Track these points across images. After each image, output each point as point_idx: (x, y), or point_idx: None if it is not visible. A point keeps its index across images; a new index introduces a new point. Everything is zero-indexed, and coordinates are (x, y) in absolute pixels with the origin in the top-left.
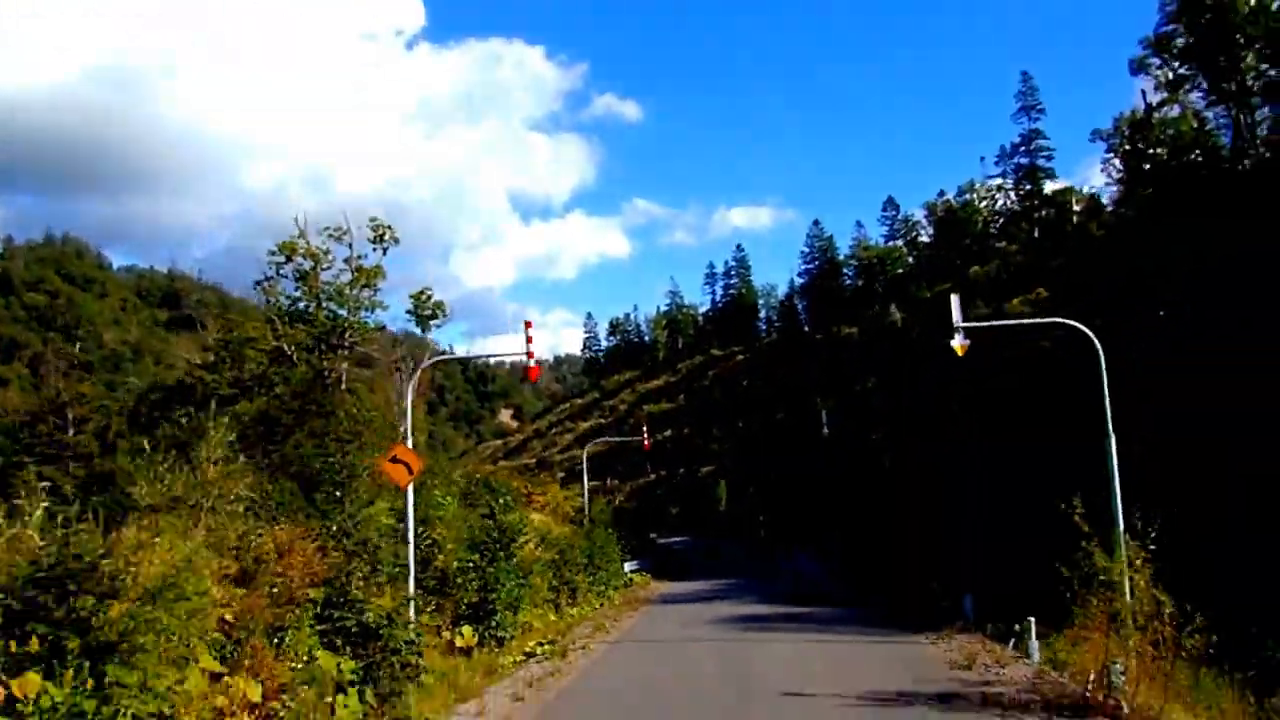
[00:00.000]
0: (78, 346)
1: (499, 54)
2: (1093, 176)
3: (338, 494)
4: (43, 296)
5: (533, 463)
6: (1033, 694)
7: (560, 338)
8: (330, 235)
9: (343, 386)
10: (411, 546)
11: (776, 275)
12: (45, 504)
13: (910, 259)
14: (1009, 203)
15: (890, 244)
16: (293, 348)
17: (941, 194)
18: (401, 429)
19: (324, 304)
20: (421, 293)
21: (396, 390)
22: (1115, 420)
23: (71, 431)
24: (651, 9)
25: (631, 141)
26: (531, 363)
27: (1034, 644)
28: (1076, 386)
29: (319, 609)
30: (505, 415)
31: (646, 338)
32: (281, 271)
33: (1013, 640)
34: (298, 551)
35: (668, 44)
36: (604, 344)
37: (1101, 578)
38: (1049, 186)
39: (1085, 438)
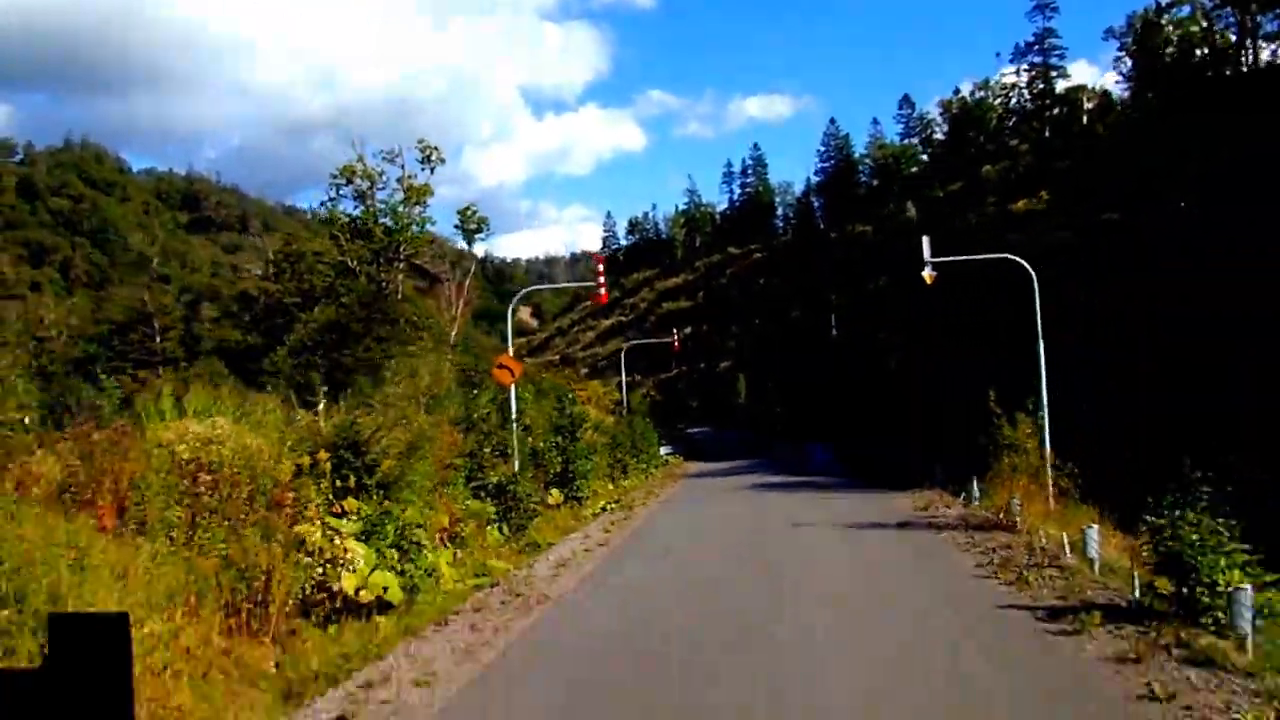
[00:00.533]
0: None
1: None
2: (1108, 74)
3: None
4: (67, 201)
5: (556, 359)
6: (962, 520)
7: (576, 233)
8: (384, 157)
9: (399, 296)
10: (515, 430)
11: (794, 171)
12: (323, 399)
13: (925, 157)
14: (1023, 100)
15: (906, 142)
16: (355, 261)
17: (957, 91)
18: (452, 333)
19: (380, 220)
20: (467, 209)
21: (446, 298)
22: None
23: (159, 339)
24: None
25: (644, 29)
26: (602, 291)
27: (975, 493)
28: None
29: (466, 473)
30: (525, 313)
31: (665, 234)
32: (341, 192)
33: (962, 493)
34: (446, 433)
35: None
36: (623, 242)
37: (1005, 444)
38: (1061, 85)
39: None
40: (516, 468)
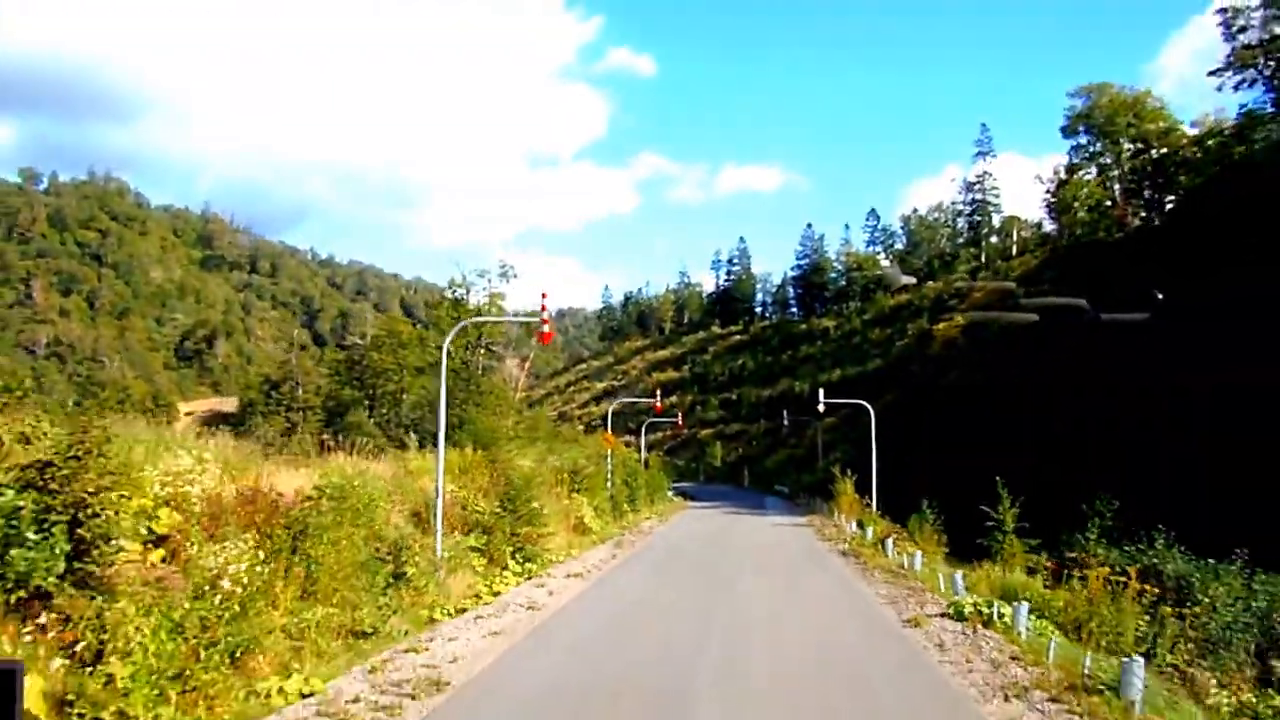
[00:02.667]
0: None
1: (517, 3)
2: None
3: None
4: (94, 234)
5: (555, 415)
6: (814, 521)
7: (563, 288)
8: (477, 274)
9: (480, 370)
10: (609, 470)
11: (777, 249)
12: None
13: (886, 262)
14: (967, 226)
15: (870, 250)
16: (453, 348)
17: (915, 210)
18: (513, 395)
19: (473, 330)
20: (532, 312)
21: (508, 373)
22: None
23: (300, 390)
24: None
25: (644, 95)
26: (546, 329)
27: (825, 509)
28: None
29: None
30: (511, 364)
31: (656, 299)
32: (448, 297)
33: (826, 510)
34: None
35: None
36: (618, 313)
37: (834, 486)
38: (995, 219)
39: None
40: (611, 489)
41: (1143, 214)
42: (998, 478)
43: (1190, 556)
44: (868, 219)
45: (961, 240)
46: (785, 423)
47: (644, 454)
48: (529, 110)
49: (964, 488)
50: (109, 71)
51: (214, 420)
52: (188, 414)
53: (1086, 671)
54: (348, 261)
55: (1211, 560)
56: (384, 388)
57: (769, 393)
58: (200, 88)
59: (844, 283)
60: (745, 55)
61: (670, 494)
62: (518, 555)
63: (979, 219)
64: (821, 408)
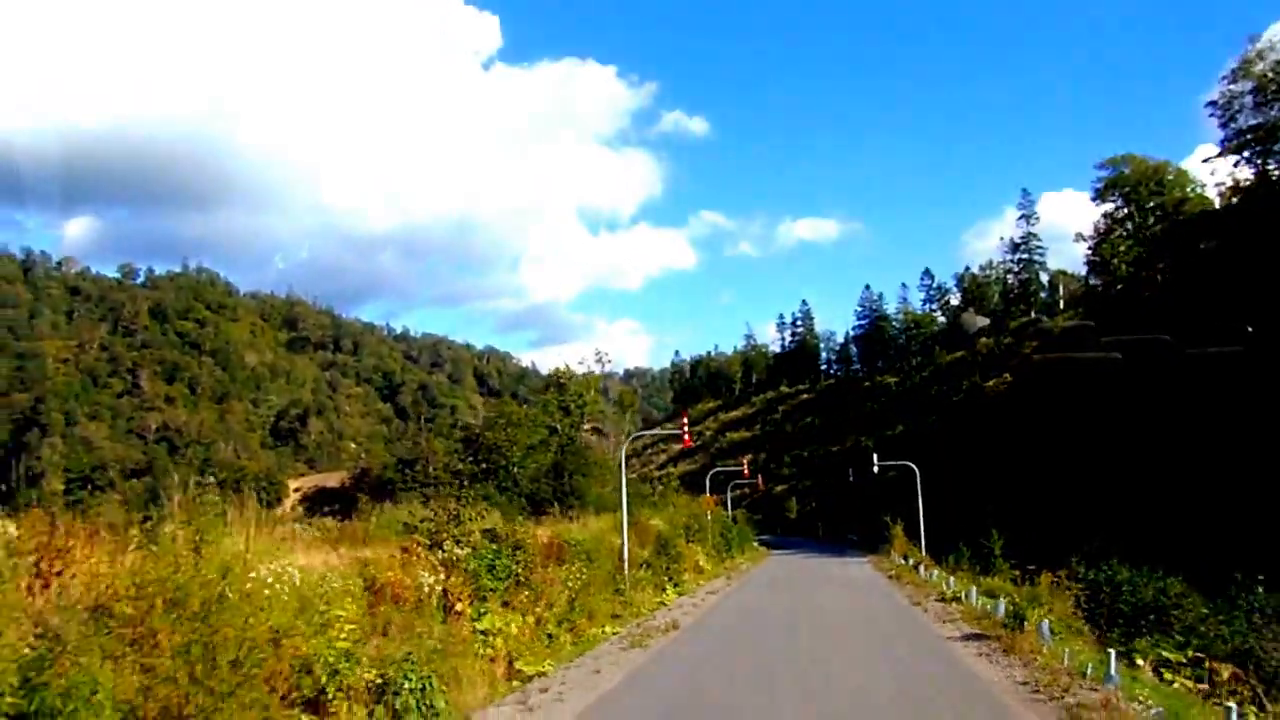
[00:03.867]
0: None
1: (572, 74)
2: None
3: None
4: (191, 324)
5: (635, 477)
6: (876, 559)
7: (624, 347)
8: (579, 362)
9: (585, 445)
10: (711, 525)
11: (837, 305)
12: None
13: (942, 319)
14: (1015, 283)
15: (927, 308)
16: (559, 425)
17: (967, 269)
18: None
19: (574, 409)
20: (623, 393)
21: (611, 451)
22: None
23: (431, 469)
24: (721, 29)
25: (698, 155)
26: (685, 437)
27: (894, 554)
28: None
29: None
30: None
31: (724, 359)
32: (550, 390)
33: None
34: (645, 527)
35: (736, 61)
36: (687, 375)
37: (892, 534)
38: (1044, 276)
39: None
40: (714, 539)
41: (1166, 273)
42: (993, 526)
43: (1145, 571)
44: (923, 278)
45: (1013, 295)
46: (851, 478)
47: (730, 510)
48: (587, 176)
49: (1002, 520)
50: (184, 165)
51: (319, 496)
52: (295, 490)
53: (987, 611)
54: (421, 334)
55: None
56: (499, 463)
57: (836, 448)
58: (272, 175)
59: (903, 340)
60: (796, 111)
61: (755, 544)
62: (669, 583)
63: (1026, 277)
64: (875, 469)
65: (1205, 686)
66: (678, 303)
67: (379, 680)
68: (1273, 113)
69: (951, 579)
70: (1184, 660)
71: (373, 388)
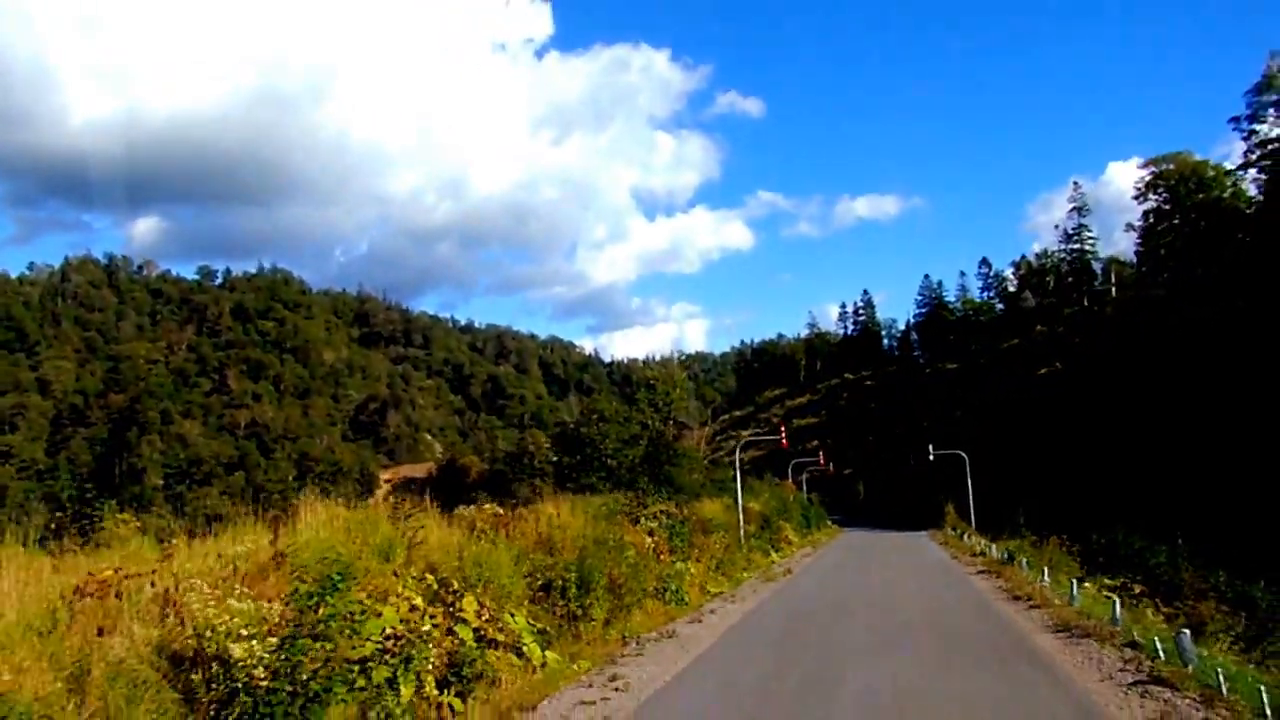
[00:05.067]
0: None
1: (625, 59)
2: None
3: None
4: (271, 323)
5: (706, 462)
6: (932, 532)
7: (684, 330)
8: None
9: (672, 438)
10: (796, 506)
11: (902, 281)
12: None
13: (1000, 306)
14: (1069, 271)
15: (985, 296)
16: (649, 420)
17: (1023, 257)
18: (703, 457)
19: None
20: (708, 395)
21: (695, 441)
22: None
23: (534, 462)
24: (774, 9)
25: (754, 136)
26: (782, 440)
27: (946, 529)
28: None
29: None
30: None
31: (788, 345)
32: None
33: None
34: (747, 509)
35: (790, 41)
36: (751, 361)
37: (946, 512)
38: (1098, 259)
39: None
40: (797, 518)
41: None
42: (1026, 503)
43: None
44: (980, 267)
45: (1068, 283)
46: (912, 462)
47: (806, 493)
48: (643, 160)
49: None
50: (247, 161)
51: (408, 486)
52: (386, 481)
53: (999, 556)
54: (485, 325)
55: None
56: (593, 455)
57: (900, 431)
58: (332, 169)
59: (962, 328)
60: (852, 88)
61: (829, 522)
62: (772, 549)
63: (1079, 266)
64: (931, 457)
65: (1121, 597)
66: (736, 285)
67: (660, 586)
68: None
69: (986, 543)
70: (1117, 585)
71: (443, 380)
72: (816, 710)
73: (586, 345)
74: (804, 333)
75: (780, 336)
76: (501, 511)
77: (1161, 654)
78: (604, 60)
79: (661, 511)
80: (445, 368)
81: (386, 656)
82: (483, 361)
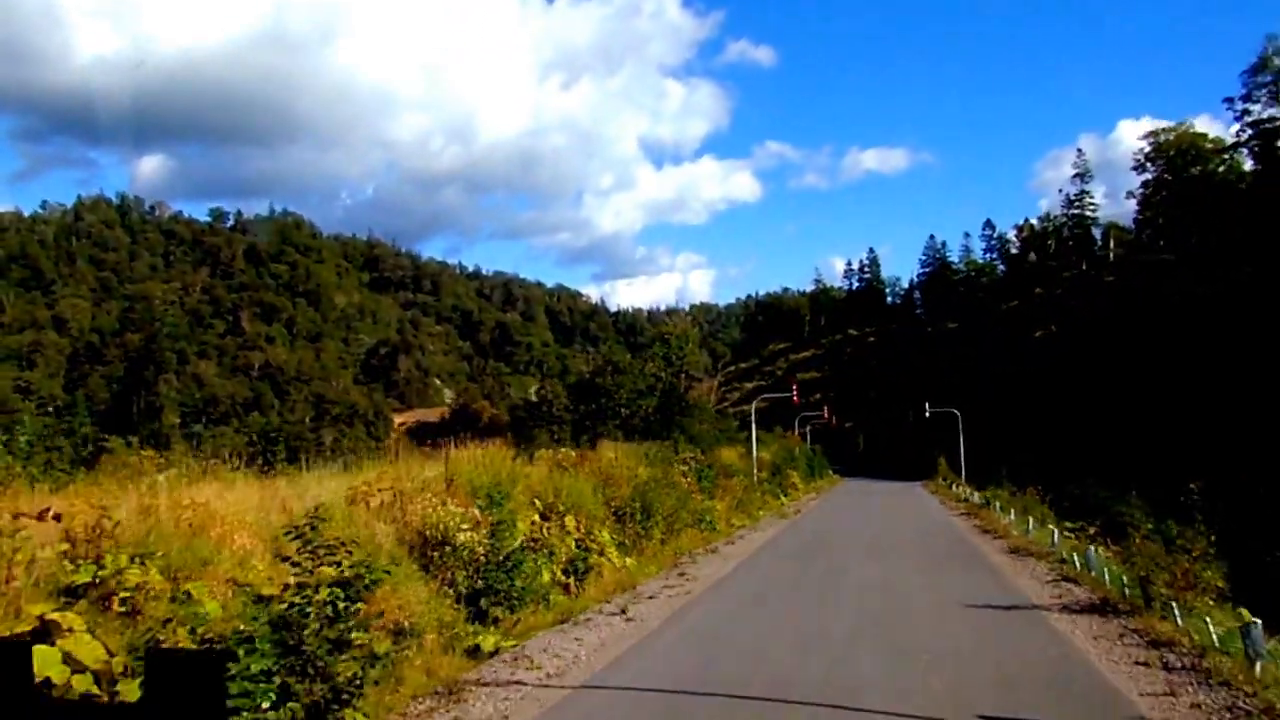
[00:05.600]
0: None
1: (637, 4)
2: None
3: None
4: (284, 267)
5: (714, 412)
6: (925, 483)
7: (688, 280)
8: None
9: (684, 390)
10: (803, 455)
11: (908, 235)
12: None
13: (1002, 268)
14: (1070, 236)
15: (988, 258)
16: (663, 374)
17: (1026, 219)
18: (712, 406)
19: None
20: (720, 350)
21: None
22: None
23: (553, 410)
24: None
25: (764, 86)
26: (794, 397)
27: (939, 479)
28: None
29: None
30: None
31: (793, 297)
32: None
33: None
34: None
35: None
36: (756, 314)
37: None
38: (1097, 224)
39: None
40: (803, 467)
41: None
42: (1010, 458)
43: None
44: (984, 229)
45: (1069, 246)
46: (911, 417)
47: (810, 444)
48: (652, 108)
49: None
50: (253, 102)
51: (422, 430)
52: (400, 424)
53: (979, 502)
54: (492, 272)
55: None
56: (608, 405)
57: (900, 386)
58: (338, 112)
59: (964, 288)
60: (864, 39)
61: (831, 472)
62: (781, 494)
63: (1079, 232)
64: (928, 414)
65: (1079, 536)
66: (742, 236)
67: (696, 517)
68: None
69: (971, 491)
70: (1077, 526)
71: (452, 326)
72: (830, 585)
73: (591, 293)
74: (809, 287)
75: (785, 290)
76: (576, 454)
77: (1077, 565)
78: (615, 5)
79: (690, 457)
80: (454, 314)
81: (529, 552)
82: (490, 309)
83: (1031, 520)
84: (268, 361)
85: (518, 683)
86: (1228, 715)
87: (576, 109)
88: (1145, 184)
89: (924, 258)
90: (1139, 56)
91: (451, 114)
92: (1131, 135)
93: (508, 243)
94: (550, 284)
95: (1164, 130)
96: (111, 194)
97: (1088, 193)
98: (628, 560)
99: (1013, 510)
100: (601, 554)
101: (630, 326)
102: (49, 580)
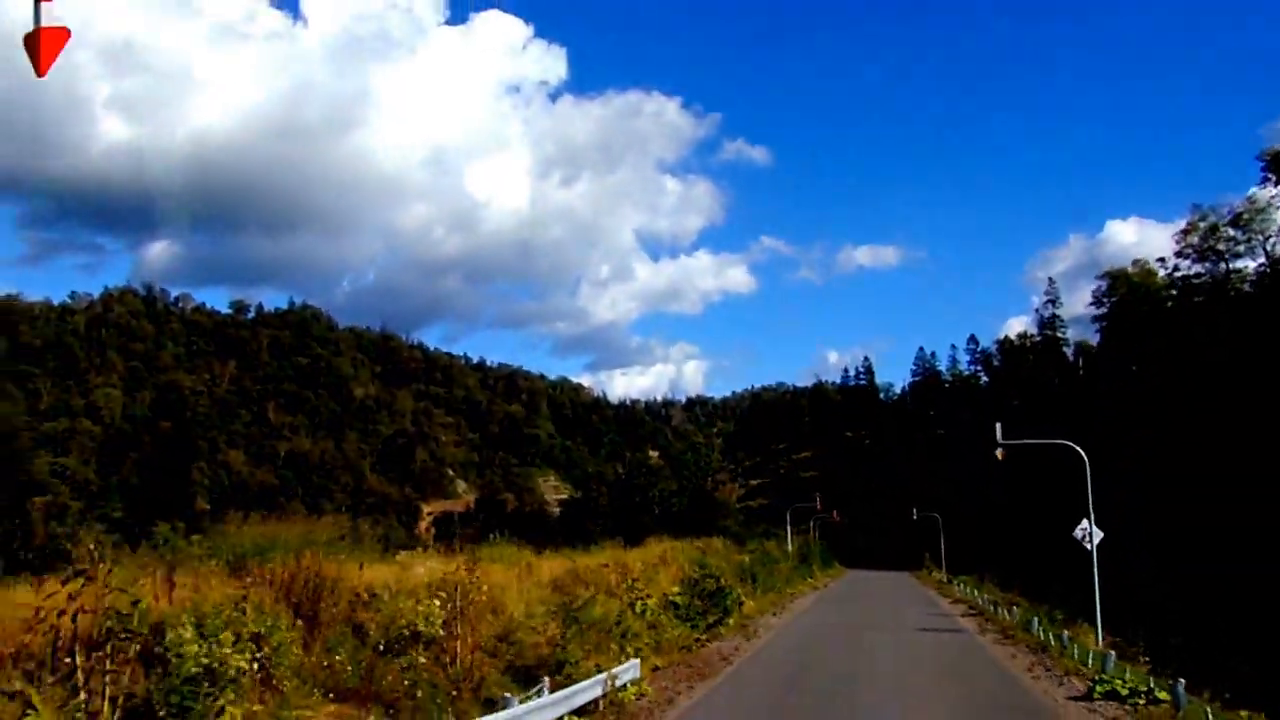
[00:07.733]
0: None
1: (637, 105)
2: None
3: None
4: (305, 359)
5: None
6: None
7: (682, 371)
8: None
9: (712, 490)
10: (815, 548)
11: (903, 331)
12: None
13: (985, 379)
14: (1036, 355)
15: (972, 369)
16: (692, 477)
17: (1006, 336)
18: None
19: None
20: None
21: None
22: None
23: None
24: (785, 61)
25: (760, 184)
26: (835, 515)
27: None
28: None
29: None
30: (653, 455)
31: (788, 393)
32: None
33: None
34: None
35: (799, 93)
36: (748, 413)
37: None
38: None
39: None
40: (797, 562)
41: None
42: (983, 555)
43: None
44: (968, 344)
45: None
46: (915, 517)
47: (817, 540)
48: (650, 203)
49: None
50: (262, 196)
51: (448, 519)
52: (428, 513)
53: (945, 583)
54: (497, 363)
55: None
56: (643, 503)
57: (892, 488)
58: (344, 202)
59: (951, 397)
60: (857, 141)
61: (837, 564)
62: (809, 574)
63: (1049, 354)
64: (915, 516)
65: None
66: (737, 328)
67: (766, 587)
68: None
69: (945, 577)
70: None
71: (463, 418)
72: (856, 609)
73: (586, 381)
74: (803, 381)
75: (781, 385)
76: (699, 545)
77: (981, 603)
78: (616, 105)
79: (750, 550)
80: (463, 406)
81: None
82: (499, 401)
83: (974, 589)
84: (292, 450)
85: (735, 646)
86: (1041, 670)
87: (576, 203)
88: (1099, 318)
89: (915, 367)
90: (1127, 161)
91: (455, 205)
92: (1119, 234)
93: (507, 330)
94: (551, 375)
95: (1116, 272)
96: (120, 279)
97: (1058, 316)
98: (751, 601)
99: (963, 583)
100: (740, 600)
101: (630, 418)
102: None
